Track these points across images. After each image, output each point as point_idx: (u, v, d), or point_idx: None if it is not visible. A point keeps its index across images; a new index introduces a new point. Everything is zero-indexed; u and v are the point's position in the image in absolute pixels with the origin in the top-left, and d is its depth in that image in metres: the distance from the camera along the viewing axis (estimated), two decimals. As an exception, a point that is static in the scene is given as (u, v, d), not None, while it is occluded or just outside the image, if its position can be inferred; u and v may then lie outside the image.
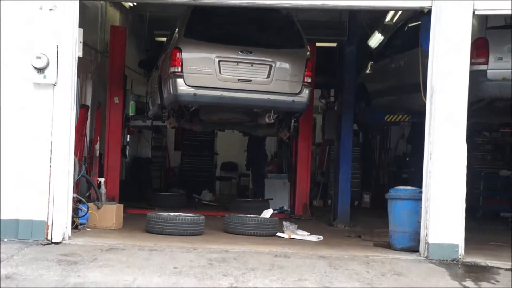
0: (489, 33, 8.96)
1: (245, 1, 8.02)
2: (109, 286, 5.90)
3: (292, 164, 13.08)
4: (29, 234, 7.48)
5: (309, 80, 10.00)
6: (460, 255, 7.54)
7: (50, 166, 7.58)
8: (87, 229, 8.72)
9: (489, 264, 7.45)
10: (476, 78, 8.29)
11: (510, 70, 9.07)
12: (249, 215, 9.55)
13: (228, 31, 9.87)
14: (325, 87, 13.95)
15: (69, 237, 7.77)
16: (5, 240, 7.37)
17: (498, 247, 8.96)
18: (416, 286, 6.41)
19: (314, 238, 9.08)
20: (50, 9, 7.58)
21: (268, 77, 9.76)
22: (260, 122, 10.76)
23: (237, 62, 9.69)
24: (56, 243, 7.49)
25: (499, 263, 7.51)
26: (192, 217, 8.98)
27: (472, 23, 7.74)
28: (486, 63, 8.95)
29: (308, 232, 9.36)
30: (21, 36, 7.60)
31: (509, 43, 9.07)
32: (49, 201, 7.56)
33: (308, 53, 10.15)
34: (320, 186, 15.10)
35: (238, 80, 9.68)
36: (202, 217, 9.10)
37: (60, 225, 7.60)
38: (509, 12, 7.98)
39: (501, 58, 9.06)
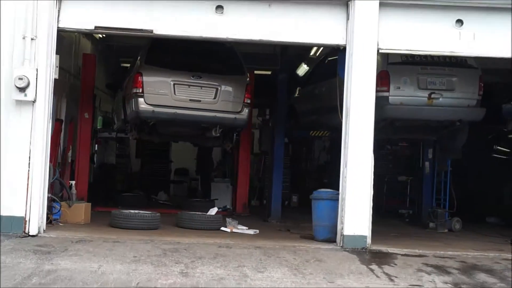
0: (390, 67, 9.24)
1: (194, 34, 8.02)
2: (78, 272, 5.80)
3: (234, 170, 13.08)
4: (9, 228, 7.28)
5: (249, 101, 10.03)
6: (368, 244, 7.68)
7: (29, 170, 7.41)
8: (60, 224, 8.49)
9: (390, 251, 7.64)
10: (380, 103, 8.44)
11: (406, 97, 9.41)
12: (198, 213, 9.49)
13: (182, 59, 9.78)
14: (261, 107, 14.06)
15: (44, 230, 7.60)
16: (-12, 233, 7.19)
17: (396, 237, 9.20)
18: (333, 270, 6.50)
19: (251, 231, 9.09)
20: (32, 39, 7.45)
21: (214, 98, 9.73)
22: (207, 135, 10.68)
23: (189, 85, 9.64)
24: (33, 236, 7.32)
25: (397, 249, 7.72)
26: (149, 214, 8.87)
27: (377, 59, 7.97)
28: (388, 90, 9.20)
29: (247, 226, 9.37)
30: (5, 60, 7.42)
31: (405, 76, 9.40)
32: (27, 200, 7.39)
33: (248, 79, 10.20)
34: (257, 189, 15.11)
35: (190, 100, 9.61)
36: (158, 214, 8.99)
37: (36, 220, 7.44)
38: (403, 52, 8.32)
39: (399, 87, 9.35)
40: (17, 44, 7.43)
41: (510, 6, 7.94)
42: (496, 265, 7.22)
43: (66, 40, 10.34)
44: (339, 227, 7.84)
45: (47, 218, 7.91)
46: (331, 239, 7.98)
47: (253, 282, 5.83)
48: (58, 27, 7.76)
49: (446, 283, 6.30)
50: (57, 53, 7.77)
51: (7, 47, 7.44)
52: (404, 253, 7.57)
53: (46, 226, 7.76)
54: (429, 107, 9.47)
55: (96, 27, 7.97)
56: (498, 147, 11.90)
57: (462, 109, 9.68)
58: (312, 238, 8.37)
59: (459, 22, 8.04)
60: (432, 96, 9.41)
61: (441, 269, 6.84)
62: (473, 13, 8.04)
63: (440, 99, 9.47)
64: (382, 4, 7.83)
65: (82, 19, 7.86)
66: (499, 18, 8.06)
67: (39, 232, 7.46)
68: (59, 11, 7.75)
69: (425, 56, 9.00)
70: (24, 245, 6.79)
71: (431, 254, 7.61)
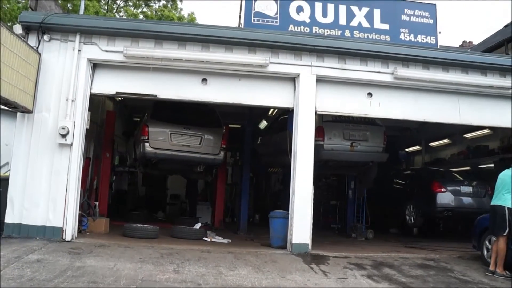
0: (324, 124, 9.41)
1: (186, 98, 8.11)
2: (99, 268, 5.73)
3: (213, 196, 12.98)
4: (51, 235, 7.22)
5: (224, 146, 10.06)
6: (309, 250, 7.69)
7: (66, 193, 7.36)
8: (87, 233, 8.31)
9: (325, 254, 7.67)
10: (318, 149, 8.60)
11: (335, 145, 9.57)
12: (186, 227, 9.39)
13: (176, 115, 9.77)
14: (233, 150, 14.13)
15: (75, 237, 7.48)
16: (37, 238, 7.13)
17: (329, 244, 9.22)
18: (284, 268, 6.53)
19: (225, 241, 9.00)
20: (72, 100, 7.58)
21: (200, 144, 9.75)
22: (194, 170, 10.69)
23: (181, 134, 9.65)
24: (68, 241, 7.24)
25: (330, 253, 7.78)
26: (151, 227, 8.71)
27: (315, 118, 8.13)
28: (323, 140, 9.35)
29: (222, 237, 9.29)
30: (55, 115, 7.57)
31: (335, 130, 9.61)
32: (64, 215, 7.33)
33: (224, 130, 10.24)
34: (230, 209, 14.98)
35: (182, 145, 9.60)
36: (158, 227, 8.84)
37: (71, 230, 7.38)
38: (333, 113, 8.58)
39: (331, 138, 9.52)
40: (61, 104, 7.57)
41: (401, 86, 8.36)
42: (396, 262, 7.38)
43: (95, 101, 10.32)
44: (289, 237, 7.85)
45: (78, 228, 7.79)
46: (283, 246, 7.97)
47: (227, 278, 5.79)
48: (90, 92, 7.85)
49: (362, 275, 6.39)
50: (88, 110, 7.85)
51: (56, 106, 7.59)
52: (334, 255, 7.64)
53: (77, 234, 7.64)
54: (351, 152, 9.67)
55: (117, 93, 8.05)
56: (397, 180, 12.27)
57: (373, 154, 9.93)
58: (269, 245, 8.35)
59: (370, 94, 8.39)
60: (353, 144, 9.64)
61: (359, 266, 6.95)
62: (379, 89, 8.39)
63: (358, 146, 9.69)
64: (318, 80, 8.10)
65: (107, 87, 7.94)
66: (396, 93, 8.45)
67: (72, 238, 7.36)
68: (92, 81, 7.87)
69: (348, 116, 9.17)
70: (62, 247, 6.72)
71: (353, 256, 7.70)
